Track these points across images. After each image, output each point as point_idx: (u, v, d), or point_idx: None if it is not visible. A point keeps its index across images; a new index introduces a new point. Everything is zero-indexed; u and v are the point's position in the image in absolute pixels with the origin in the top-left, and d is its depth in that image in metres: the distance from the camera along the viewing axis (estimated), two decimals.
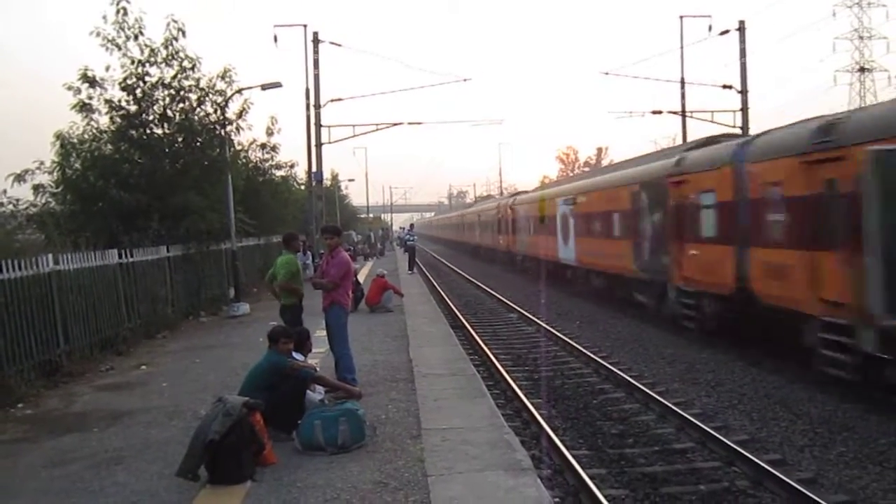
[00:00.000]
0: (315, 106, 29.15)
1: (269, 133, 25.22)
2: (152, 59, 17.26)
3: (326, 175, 41.44)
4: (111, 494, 6.06)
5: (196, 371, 11.28)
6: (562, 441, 8.55)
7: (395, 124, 32.13)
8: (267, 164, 27.17)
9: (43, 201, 15.97)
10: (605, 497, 6.77)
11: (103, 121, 17.15)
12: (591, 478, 7.30)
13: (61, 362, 11.26)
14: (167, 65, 17.52)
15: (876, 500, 6.94)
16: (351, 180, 67.37)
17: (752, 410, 10.04)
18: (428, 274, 34.17)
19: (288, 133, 68.74)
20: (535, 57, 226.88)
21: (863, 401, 9.96)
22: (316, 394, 7.70)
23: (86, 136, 16.96)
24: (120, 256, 14.16)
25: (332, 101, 30.33)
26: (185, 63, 17.69)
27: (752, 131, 21.95)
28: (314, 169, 29.89)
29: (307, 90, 29.18)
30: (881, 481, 7.37)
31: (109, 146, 17.41)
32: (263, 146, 25.76)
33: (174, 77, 17.68)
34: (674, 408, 9.80)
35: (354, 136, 31.41)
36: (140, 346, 13.85)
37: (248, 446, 6.16)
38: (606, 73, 50.67)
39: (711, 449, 8.42)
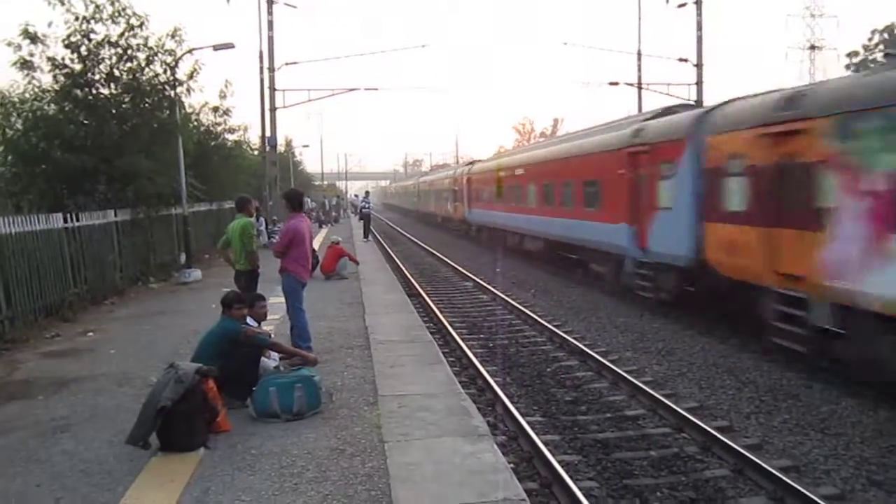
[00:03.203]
0: (269, 69, 28.48)
1: (223, 96, 24.67)
2: (97, 16, 16.56)
3: (280, 140, 40.85)
4: (58, 463, 5.91)
5: (146, 338, 11.03)
6: (516, 408, 8.62)
7: (352, 90, 31.64)
8: (219, 128, 26.58)
9: None
10: (559, 462, 6.86)
11: (46, 79, 16.47)
12: (545, 444, 7.39)
13: (3, 329, 10.91)
14: (113, 22, 16.85)
15: (817, 466, 7.18)
16: (305, 146, 66.37)
17: (701, 378, 10.27)
18: (383, 242, 34.00)
19: (241, 97, 67.32)
20: (493, 26, 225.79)
21: (806, 370, 10.29)
22: (271, 360, 7.61)
23: (27, 96, 16.25)
24: (65, 220, 13.70)
25: (286, 64, 29.71)
26: (133, 20, 17.03)
27: (707, 104, 22.01)
28: (268, 134, 29.31)
29: (261, 52, 28.49)
30: (822, 447, 7.63)
31: (53, 106, 16.71)
32: (216, 109, 25.20)
33: (121, 35, 17.00)
34: (626, 375, 9.97)
35: (310, 100, 30.83)
36: (87, 312, 13.48)
37: (201, 413, 6.06)
38: (565, 44, 50.64)
39: (661, 416, 8.61)
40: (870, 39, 37.47)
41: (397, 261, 25.10)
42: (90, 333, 11.56)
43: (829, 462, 7.27)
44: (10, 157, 15.76)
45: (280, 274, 9.32)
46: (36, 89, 16.34)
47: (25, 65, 15.85)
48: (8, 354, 10.23)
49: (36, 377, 8.86)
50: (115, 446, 6.12)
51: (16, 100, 15.99)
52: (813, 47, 47.75)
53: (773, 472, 6.64)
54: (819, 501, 6.04)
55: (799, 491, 6.24)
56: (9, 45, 15.59)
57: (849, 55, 38.50)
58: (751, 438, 7.89)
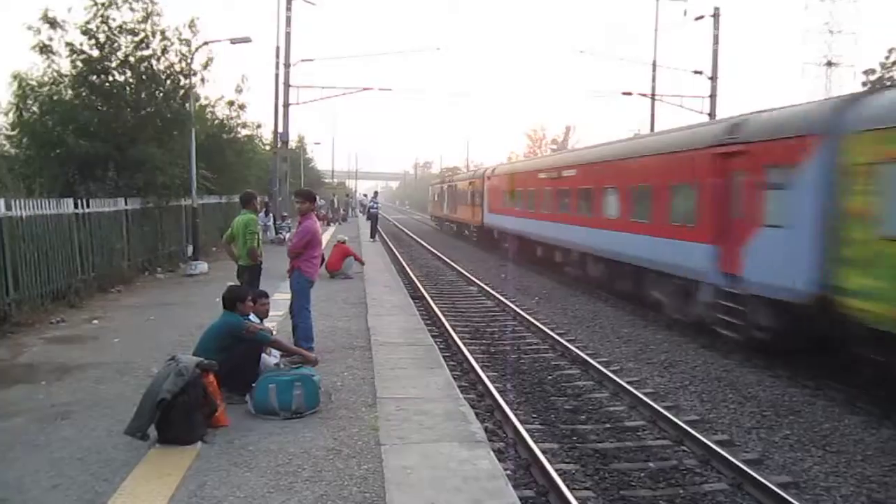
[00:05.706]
0: (285, 65, 28.60)
1: (239, 91, 24.83)
2: (115, 3, 16.69)
3: (293, 137, 40.98)
4: (57, 450, 5.92)
5: (150, 328, 11.08)
6: (515, 415, 8.60)
7: (365, 89, 31.84)
8: (233, 122, 26.72)
9: None
10: (556, 471, 6.83)
11: (64, 64, 16.61)
12: (543, 452, 7.38)
13: (10, 312, 10.96)
14: (131, 9, 16.99)
15: (818, 482, 7.15)
16: (317, 143, 66.43)
17: (702, 392, 10.23)
18: (390, 243, 34.02)
19: (253, 93, 67.67)
20: (506, 32, 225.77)
21: (809, 386, 10.24)
22: (271, 357, 7.61)
23: (45, 79, 16.39)
24: (76, 206, 13.78)
25: (302, 60, 29.84)
26: (150, 8, 17.18)
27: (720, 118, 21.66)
28: (280, 129, 29.42)
29: (277, 48, 28.61)
30: (823, 464, 7.60)
31: (69, 91, 16.83)
32: (231, 103, 25.34)
33: (138, 23, 17.13)
34: (627, 386, 9.94)
35: (323, 98, 31.08)
36: (93, 299, 13.55)
37: (200, 407, 6.06)
38: (582, 52, 50.63)
39: (662, 428, 8.58)
40: (887, 57, 37.13)
41: (403, 262, 25.10)
42: (95, 321, 11.61)
43: (829, 479, 7.24)
44: (24, 140, 15.87)
45: (290, 272, 9.25)
46: (54, 74, 16.48)
47: (44, 49, 16.01)
48: (13, 338, 10.29)
49: (40, 362, 8.90)
50: (114, 436, 6.13)
51: (34, 83, 16.10)
52: (830, 63, 47.36)
53: (772, 487, 6.60)
54: None
55: None
56: (29, 28, 15.74)
57: (865, 72, 38.15)
58: (751, 453, 7.86)
